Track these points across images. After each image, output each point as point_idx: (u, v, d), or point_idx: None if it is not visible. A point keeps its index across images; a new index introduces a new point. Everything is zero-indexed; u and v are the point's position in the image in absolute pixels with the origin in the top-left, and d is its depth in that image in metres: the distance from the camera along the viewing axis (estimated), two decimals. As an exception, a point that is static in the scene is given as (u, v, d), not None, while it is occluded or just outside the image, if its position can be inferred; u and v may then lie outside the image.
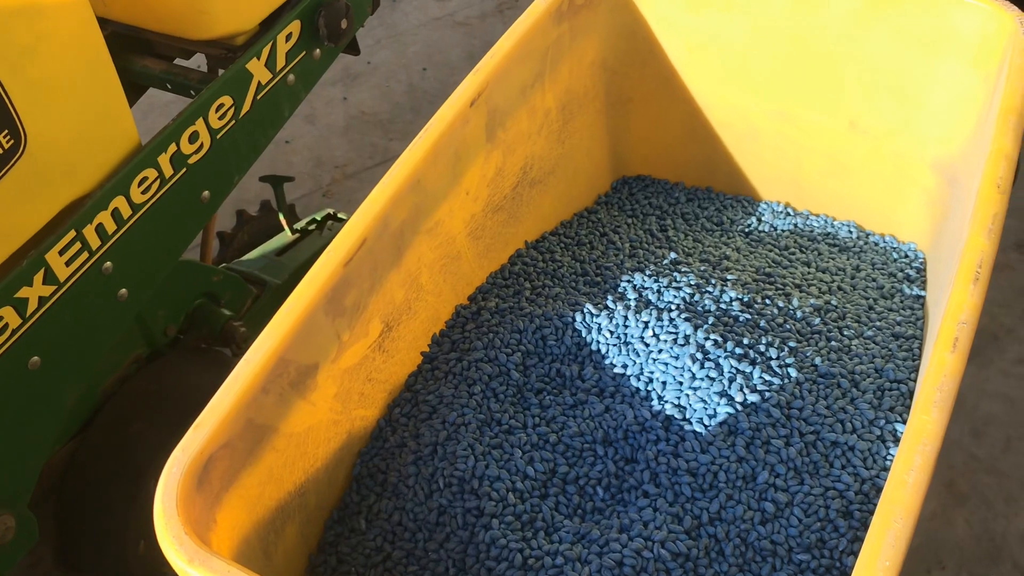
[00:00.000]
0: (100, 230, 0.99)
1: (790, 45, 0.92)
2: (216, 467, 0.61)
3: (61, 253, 0.96)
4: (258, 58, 1.16)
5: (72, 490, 1.20)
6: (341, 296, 0.70)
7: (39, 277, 0.94)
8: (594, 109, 1.00)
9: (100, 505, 1.20)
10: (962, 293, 0.60)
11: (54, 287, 0.96)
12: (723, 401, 0.73)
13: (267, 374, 0.64)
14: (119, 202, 1.01)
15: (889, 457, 0.71)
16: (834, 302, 0.86)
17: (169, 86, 1.22)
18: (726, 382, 0.75)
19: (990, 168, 0.67)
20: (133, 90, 1.27)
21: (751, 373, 0.75)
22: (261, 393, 0.64)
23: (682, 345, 0.78)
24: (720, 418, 0.73)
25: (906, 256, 0.96)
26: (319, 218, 1.66)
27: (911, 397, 0.76)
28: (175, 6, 1.10)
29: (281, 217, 1.64)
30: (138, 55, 1.24)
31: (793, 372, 0.76)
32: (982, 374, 1.54)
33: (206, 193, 1.14)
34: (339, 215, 1.68)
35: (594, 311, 0.83)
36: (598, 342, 0.81)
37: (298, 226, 1.65)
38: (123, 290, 1.05)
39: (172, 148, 1.06)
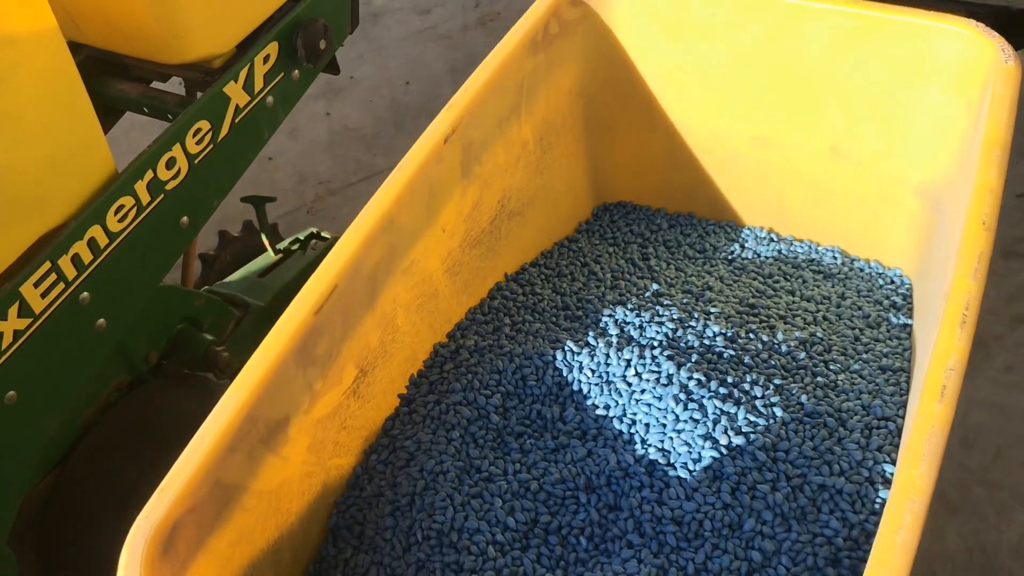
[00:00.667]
0: (76, 260, 0.97)
1: (770, 71, 0.91)
2: (182, 533, 0.59)
3: (36, 285, 0.94)
4: (235, 81, 1.15)
5: (53, 523, 1.18)
6: (312, 345, 0.68)
7: (13, 310, 0.92)
8: (572, 138, 0.98)
9: (82, 538, 1.18)
10: (949, 338, 0.58)
11: (29, 320, 0.94)
12: (707, 444, 0.72)
13: (235, 433, 0.62)
14: (95, 231, 0.99)
15: (878, 500, 0.69)
16: (819, 334, 0.85)
17: (146, 110, 1.21)
18: (710, 424, 0.73)
19: (974, 204, 0.65)
20: (109, 114, 1.26)
21: (735, 414, 0.73)
22: (228, 453, 0.61)
23: (665, 385, 0.76)
24: (705, 463, 0.71)
25: (892, 282, 0.94)
26: (302, 238, 1.65)
27: (899, 435, 0.74)
28: (150, 31, 1.09)
29: (264, 238, 1.62)
30: (114, 78, 1.23)
31: (778, 412, 0.74)
32: (971, 383, 1.52)
33: (185, 219, 1.13)
34: (322, 234, 1.66)
35: (575, 349, 0.81)
36: (579, 381, 0.79)
37: (281, 246, 1.63)
38: (101, 320, 1.04)
39: (149, 175, 1.05)
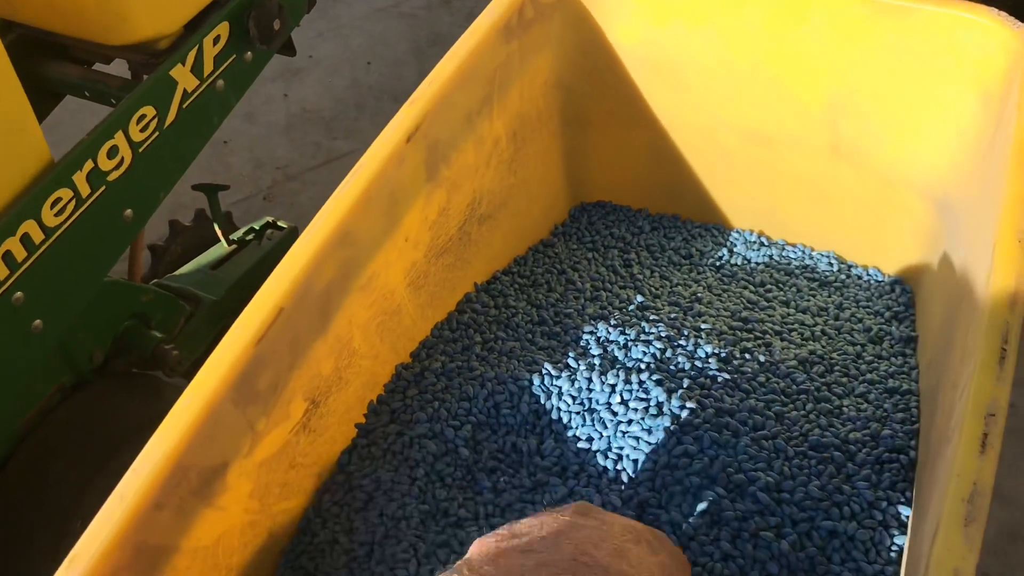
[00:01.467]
0: (8, 258, 0.91)
1: (767, 62, 0.82)
2: (98, 607, 0.50)
3: None
4: (183, 64, 1.09)
5: None
6: (253, 380, 0.59)
7: None
8: (548, 133, 0.90)
9: (20, 549, 1.10)
10: (987, 378, 0.51)
11: None
12: (704, 484, 0.64)
13: (160, 487, 0.53)
14: (29, 226, 0.93)
15: (894, 548, 0.62)
16: (819, 351, 0.77)
17: (87, 94, 1.15)
18: (706, 460, 0.65)
19: (1007, 219, 0.58)
20: (48, 98, 1.19)
21: (735, 449, 0.65)
22: (154, 510, 0.53)
23: (655, 416, 0.68)
24: (701, 506, 0.63)
25: (892, 291, 0.87)
26: (257, 227, 1.56)
27: (913, 469, 0.67)
28: (90, 10, 1.01)
29: (216, 228, 1.54)
30: (52, 60, 1.15)
31: (781, 445, 0.66)
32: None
33: (129, 212, 1.07)
34: (279, 223, 1.58)
35: (554, 372, 0.73)
36: (559, 409, 0.71)
37: (235, 236, 1.55)
38: (38, 321, 0.98)
39: (88, 165, 0.99)
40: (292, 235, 1.55)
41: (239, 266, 1.46)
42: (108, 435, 1.13)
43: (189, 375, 1.42)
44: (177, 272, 1.47)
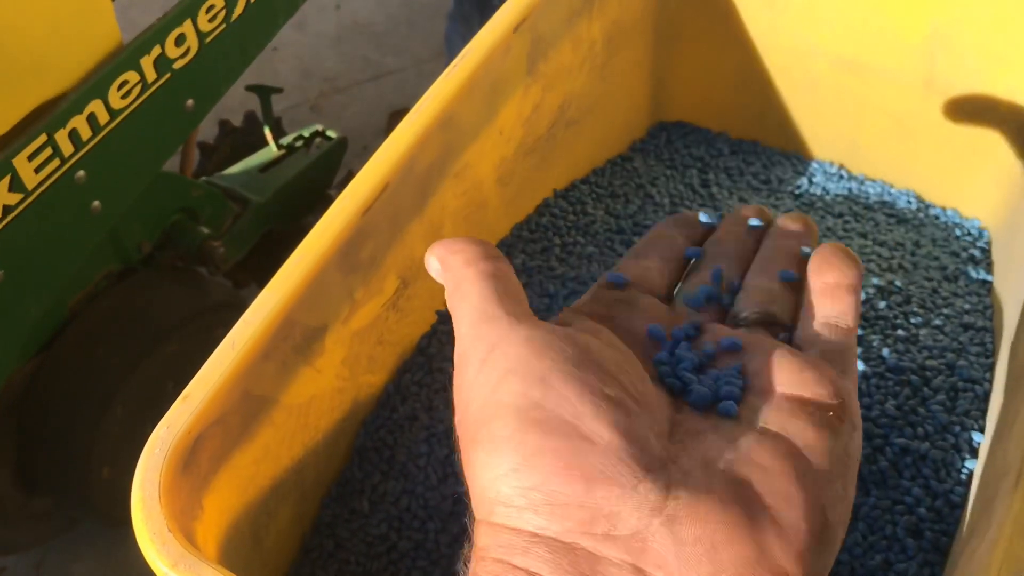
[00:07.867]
0: (74, 135, 0.92)
1: (871, -13, 0.81)
2: (206, 446, 0.52)
3: (30, 159, 0.90)
4: None
5: (34, 410, 1.13)
6: (357, 248, 0.60)
7: (4, 183, 0.88)
8: (640, 44, 0.89)
9: (63, 427, 1.14)
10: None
11: (21, 195, 0.90)
12: (781, 394, 0.65)
13: (270, 338, 0.54)
14: (96, 106, 0.94)
15: (964, 470, 0.63)
16: (898, 283, 0.78)
17: None
18: (785, 372, 0.66)
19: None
20: None
21: (814, 363, 0.66)
22: (262, 360, 0.54)
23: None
24: (778, 413, 0.64)
25: (969, 234, 0.87)
26: (307, 135, 1.56)
27: (986, 400, 0.68)
28: None
29: (267, 130, 1.54)
30: None
31: (860, 365, 0.67)
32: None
33: (190, 102, 1.08)
34: (327, 132, 1.57)
35: (634, 277, 0.73)
36: (637, 313, 0.72)
37: (284, 142, 1.55)
38: (96, 202, 1.00)
39: (156, 50, 0.99)
40: (341, 145, 1.55)
41: (287, 171, 1.46)
42: (152, 324, 1.16)
43: (232, 275, 1.44)
44: (226, 172, 1.48)
